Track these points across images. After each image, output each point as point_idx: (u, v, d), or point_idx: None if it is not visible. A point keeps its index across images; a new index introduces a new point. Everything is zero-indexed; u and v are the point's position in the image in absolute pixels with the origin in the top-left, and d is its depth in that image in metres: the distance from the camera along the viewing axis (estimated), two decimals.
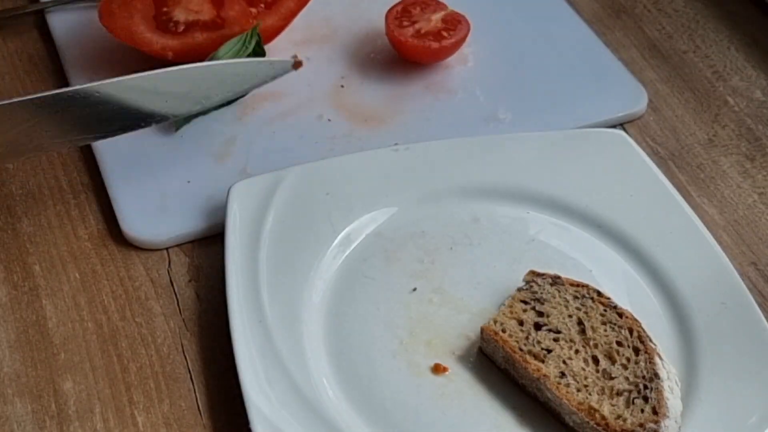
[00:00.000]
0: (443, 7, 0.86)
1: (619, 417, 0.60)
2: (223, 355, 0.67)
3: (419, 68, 0.85)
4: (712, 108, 0.84)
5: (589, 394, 0.61)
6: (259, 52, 0.81)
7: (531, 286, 0.67)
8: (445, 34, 0.84)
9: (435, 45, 0.83)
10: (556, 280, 0.67)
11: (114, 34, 0.81)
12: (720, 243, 0.71)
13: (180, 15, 0.81)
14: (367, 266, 0.71)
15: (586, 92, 0.84)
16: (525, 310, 0.66)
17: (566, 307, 0.66)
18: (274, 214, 0.72)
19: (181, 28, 0.81)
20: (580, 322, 0.65)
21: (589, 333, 0.64)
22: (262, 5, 0.83)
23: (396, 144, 0.77)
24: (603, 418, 0.60)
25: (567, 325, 0.65)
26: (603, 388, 0.62)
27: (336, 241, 0.71)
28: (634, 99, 0.84)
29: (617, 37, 0.90)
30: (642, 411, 0.60)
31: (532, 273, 0.68)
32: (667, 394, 0.61)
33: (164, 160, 0.79)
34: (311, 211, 0.72)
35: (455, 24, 0.84)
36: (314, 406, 0.62)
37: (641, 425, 0.60)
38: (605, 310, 0.65)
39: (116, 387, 0.66)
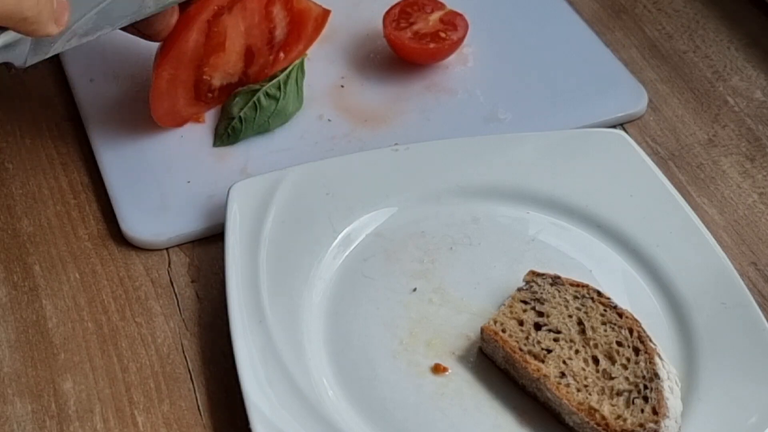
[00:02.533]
0: (441, 6, 0.86)
1: (619, 417, 0.60)
2: (223, 355, 0.67)
3: (419, 68, 0.85)
4: (712, 108, 0.84)
5: (589, 394, 0.61)
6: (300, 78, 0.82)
7: (531, 286, 0.67)
8: (443, 34, 0.84)
9: (433, 46, 0.83)
10: (556, 280, 0.67)
11: (161, 122, 0.79)
12: (720, 243, 0.71)
13: (217, 80, 0.79)
14: (367, 266, 0.71)
15: (586, 92, 0.84)
16: (525, 310, 0.66)
17: (566, 307, 0.66)
18: (274, 214, 0.72)
19: (216, 93, 0.80)
20: (580, 322, 0.65)
21: (589, 333, 0.64)
22: (282, 54, 0.83)
23: (396, 144, 0.77)
24: (603, 418, 0.60)
25: (567, 325, 0.65)
26: (603, 388, 0.62)
27: (336, 241, 0.71)
28: (634, 99, 0.84)
29: (617, 37, 0.90)
30: (642, 411, 0.60)
31: (532, 273, 0.68)
32: (667, 394, 0.61)
33: (164, 160, 0.79)
34: (311, 211, 0.72)
35: (453, 24, 0.84)
36: (314, 406, 0.62)
37: (641, 425, 0.60)
38: (605, 310, 0.65)
39: (116, 387, 0.66)
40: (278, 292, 0.68)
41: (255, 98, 0.80)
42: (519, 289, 0.67)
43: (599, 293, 0.66)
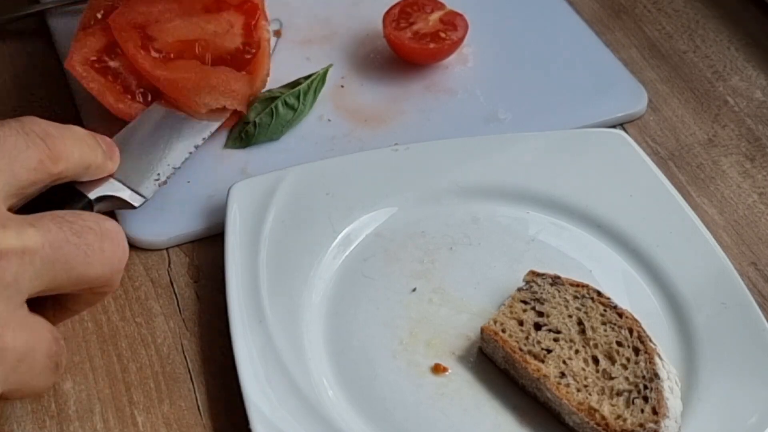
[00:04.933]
0: (441, 6, 0.86)
1: (619, 417, 0.60)
2: (223, 355, 0.67)
3: (419, 68, 0.85)
4: (712, 108, 0.84)
5: (589, 394, 0.61)
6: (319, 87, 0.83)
7: (531, 286, 0.67)
8: (443, 34, 0.84)
9: (433, 46, 0.83)
10: (556, 280, 0.67)
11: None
12: (720, 243, 0.71)
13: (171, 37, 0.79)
14: (367, 266, 0.71)
15: (586, 92, 0.84)
16: (525, 310, 0.66)
17: (566, 307, 0.66)
18: (274, 214, 0.72)
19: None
20: (580, 322, 0.65)
21: (589, 333, 0.64)
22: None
23: (396, 144, 0.77)
24: (603, 418, 0.60)
25: (567, 325, 0.65)
26: (603, 388, 0.62)
27: (336, 241, 0.71)
28: (634, 99, 0.84)
29: (617, 37, 0.90)
30: (642, 411, 0.60)
31: (532, 273, 0.68)
32: (667, 394, 0.61)
33: None
34: (311, 211, 0.72)
35: (453, 24, 0.84)
36: (314, 406, 0.62)
37: (641, 425, 0.60)
38: (605, 310, 0.65)
39: (116, 387, 0.66)
40: (278, 292, 0.68)
41: (273, 105, 0.80)
42: (519, 289, 0.67)
43: (599, 293, 0.66)
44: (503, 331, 0.65)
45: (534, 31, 0.90)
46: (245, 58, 0.80)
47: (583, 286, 0.67)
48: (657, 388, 0.61)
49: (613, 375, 0.62)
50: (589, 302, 0.66)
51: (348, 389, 0.64)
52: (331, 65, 0.84)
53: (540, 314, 0.66)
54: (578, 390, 0.62)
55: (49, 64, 0.87)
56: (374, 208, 0.73)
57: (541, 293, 0.67)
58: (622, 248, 0.71)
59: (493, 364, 0.65)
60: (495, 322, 0.65)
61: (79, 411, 0.65)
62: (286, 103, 0.80)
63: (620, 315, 0.65)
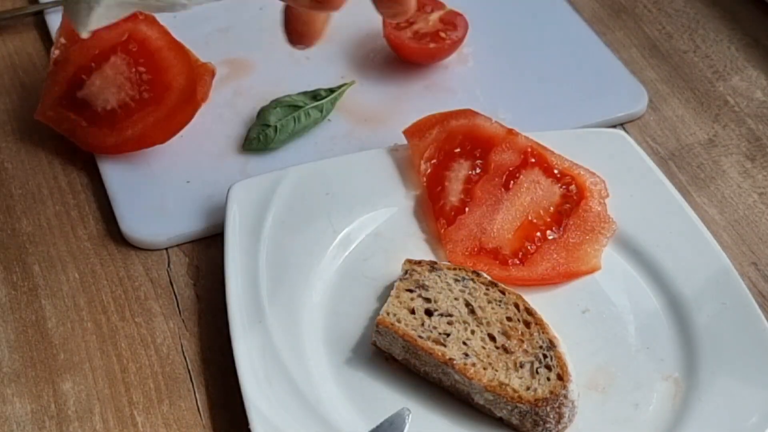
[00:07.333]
0: (441, 6, 0.86)
1: (528, 388, 0.61)
2: (223, 355, 0.67)
3: (419, 68, 0.85)
4: (712, 108, 0.84)
5: (496, 371, 0.62)
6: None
7: (411, 274, 0.67)
8: (443, 34, 0.84)
9: (433, 46, 0.83)
10: (434, 266, 0.67)
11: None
12: (720, 243, 0.71)
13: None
14: (367, 266, 0.71)
15: (586, 92, 0.84)
16: (413, 299, 0.65)
17: (450, 290, 0.66)
18: (274, 214, 0.71)
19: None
20: (467, 304, 0.65)
21: (479, 313, 0.64)
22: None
23: (396, 144, 0.77)
24: (514, 390, 0.61)
25: (456, 307, 0.65)
26: (506, 363, 0.62)
27: (336, 241, 0.71)
28: (634, 99, 0.83)
29: (617, 37, 0.90)
30: (548, 379, 0.61)
31: (409, 261, 0.68)
32: (566, 358, 0.62)
33: (163, 160, 0.78)
34: (311, 211, 0.72)
35: (453, 23, 0.84)
36: (314, 406, 0.62)
37: (551, 392, 0.60)
38: (488, 289, 0.65)
39: (116, 387, 0.66)
40: (278, 292, 0.68)
41: (296, 114, 0.79)
42: (401, 279, 0.67)
43: (477, 273, 0.66)
44: (398, 321, 0.64)
45: (534, 31, 0.90)
46: (573, 200, 0.73)
47: (461, 268, 0.67)
48: (557, 356, 0.62)
49: (511, 349, 0.62)
50: (471, 283, 0.66)
51: (348, 389, 0.64)
52: (353, 82, 0.84)
53: (428, 300, 0.65)
54: (484, 368, 0.62)
55: (48, 64, 0.87)
56: (374, 208, 0.73)
57: (423, 280, 0.66)
58: (623, 248, 0.71)
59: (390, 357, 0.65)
60: (388, 314, 0.64)
61: (79, 411, 0.65)
62: (308, 114, 0.80)
63: (503, 292, 0.65)
